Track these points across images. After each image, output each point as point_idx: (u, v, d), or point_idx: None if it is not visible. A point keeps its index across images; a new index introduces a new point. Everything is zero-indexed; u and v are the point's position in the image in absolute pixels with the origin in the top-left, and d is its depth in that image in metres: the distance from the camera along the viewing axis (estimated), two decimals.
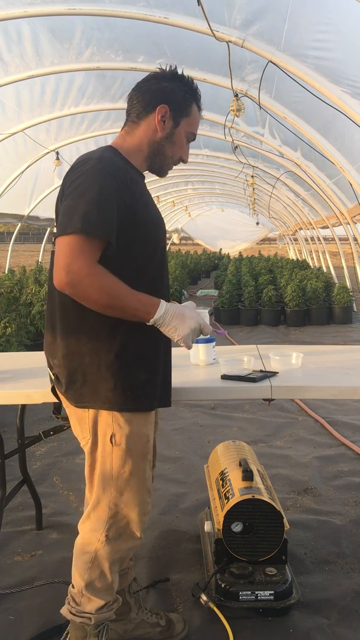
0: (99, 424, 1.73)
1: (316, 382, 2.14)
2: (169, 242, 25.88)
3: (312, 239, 15.59)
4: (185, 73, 1.83)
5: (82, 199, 1.57)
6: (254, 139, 7.53)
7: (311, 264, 16.20)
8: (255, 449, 3.60)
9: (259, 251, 22.68)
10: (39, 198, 10.60)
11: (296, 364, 2.30)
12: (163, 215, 1.98)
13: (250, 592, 2.15)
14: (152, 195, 1.90)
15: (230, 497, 2.26)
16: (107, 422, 1.72)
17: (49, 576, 2.43)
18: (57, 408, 2.33)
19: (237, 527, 2.22)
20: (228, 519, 2.22)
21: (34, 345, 5.69)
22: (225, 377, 2.13)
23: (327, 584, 2.37)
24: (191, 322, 1.69)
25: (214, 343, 2.37)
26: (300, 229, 16.07)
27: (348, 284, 10.82)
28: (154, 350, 1.76)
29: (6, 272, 9.18)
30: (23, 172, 8.77)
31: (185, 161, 1.89)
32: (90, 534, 1.79)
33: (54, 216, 1.71)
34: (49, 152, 8.50)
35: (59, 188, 1.73)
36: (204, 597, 2.17)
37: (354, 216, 8.43)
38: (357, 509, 2.98)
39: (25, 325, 5.75)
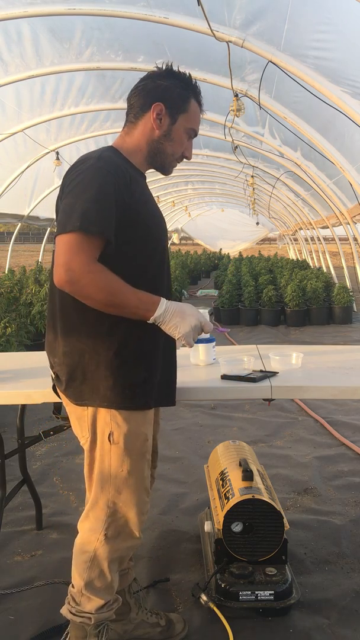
0: (97, 423, 1.73)
1: (316, 382, 2.14)
2: (169, 242, 25.87)
3: (312, 239, 15.59)
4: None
5: (81, 198, 1.57)
6: (254, 139, 7.53)
7: (311, 264, 16.20)
8: (255, 449, 3.60)
9: (259, 251, 22.68)
10: (39, 198, 10.61)
11: (296, 364, 2.30)
12: (163, 215, 1.98)
13: (250, 592, 2.15)
14: (153, 195, 1.90)
15: (230, 497, 2.26)
16: (106, 420, 1.72)
17: (49, 576, 2.43)
18: (57, 408, 2.33)
19: (237, 527, 2.22)
20: (228, 519, 2.22)
21: (34, 345, 5.69)
22: (225, 377, 2.13)
23: (327, 584, 2.37)
24: (192, 319, 1.69)
25: (214, 343, 2.37)
26: (300, 229, 16.07)
27: (348, 284, 10.82)
28: (154, 349, 1.76)
29: (6, 272, 9.18)
30: (23, 172, 8.77)
31: (188, 158, 1.88)
32: (89, 533, 1.79)
33: (54, 216, 1.71)
34: (49, 152, 8.51)
35: (59, 187, 1.73)
36: (204, 597, 2.17)
37: (354, 216, 8.43)
38: (357, 509, 2.98)
39: (25, 325, 5.75)
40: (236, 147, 7.88)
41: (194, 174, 14.04)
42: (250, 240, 28.86)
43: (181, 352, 2.09)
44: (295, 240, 20.54)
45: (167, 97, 1.75)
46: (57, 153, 8.52)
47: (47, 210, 11.17)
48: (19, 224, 11.43)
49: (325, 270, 13.28)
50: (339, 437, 3.98)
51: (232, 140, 7.34)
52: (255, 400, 4.65)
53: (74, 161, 1.74)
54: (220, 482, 2.44)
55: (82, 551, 1.80)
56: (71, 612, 1.81)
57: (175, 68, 1.79)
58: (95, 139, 8.49)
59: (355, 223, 8.60)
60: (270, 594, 2.15)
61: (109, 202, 1.59)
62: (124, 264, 1.67)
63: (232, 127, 6.80)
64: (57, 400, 1.91)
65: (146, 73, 1.82)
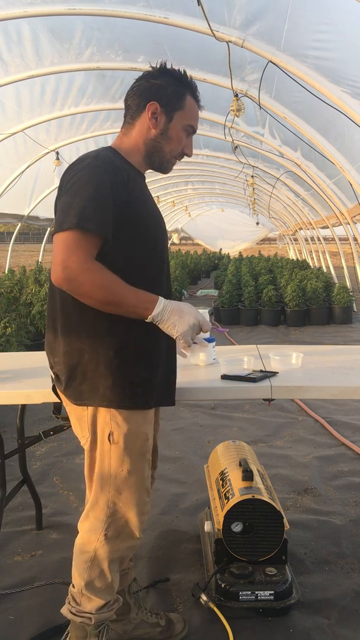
0: (97, 422, 1.73)
1: (316, 382, 2.14)
2: (169, 242, 25.87)
3: (312, 239, 15.59)
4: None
5: (78, 196, 1.58)
6: (254, 139, 7.53)
7: (311, 264, 16.20)
8: (255, 449, 3.60)
9: (259, 251, 22.67)
10: (39, 198, 10.61)
11: (296, 364, 2.30)
12: (163, 215, 1.98)
13: (250, 592, 2.15)
14: (152, 195, 1.90)
15: (230, 497, 2.26)
16: (106, 420, 1.72)
17: (49, 576, 2.43)
18: (57, 408, 2.33)
19: (237, 527, 2.22)
20: (228, 519, 2.22)
21: (34, 345, 5.69)
22: (225, 377, 2.13)
23: (327, 584, 2.37)
24: (190, 318, 1.69)
25: (214, 343, 2.37)
26: (300, 229, 16.07)
27: (348, 284, 10.82)
28: (154, 349, 1.76)
29: (6, 272, 9.18)
30: (23, 172, 8.77)
31: (189, 155, 1.87)
32: (89, 533, 1.79)
33: (53, 216, 1.72)
34: (49, 152, 8.51)
35: (57, 187, 1.74)
36: (204, 597, 2.17)
37: (354, 216, 8.43)
38: (357, 509, 2.98)
39: (25, 325, 5.75)
40: (236, 147, 7.88)
41: (194, 174, 14.04)
42: (250, 240, 28.85)
43: None
44: (295, 240, 20.54)
45: (161, 96, 1.75)
46: (57, 153, 8.52)
47: (47, 210, 11.17)
48: (19, 224, 11.43)
49: (325, 270, 13.28)
50: (339, 437, 3.98)
51: (232, 140, 7.34)
52: (255, 400, 4.65)
53: (74, 160, 1.74)
54: (220, 482, 2.44)
55: (82, 551, 1.80)
56: (71, 612, 1.80)
57: (169, 66, 1.78)
58: (95, 139, 8.49)
59: (355, 223, 8.60)
60: (270, 594, 2.15)
61: (106, 200, 1.59)
62: (123, 263, 1.67)
63: (232, 127, 6.80)
64: (57, 400, 1.91)
65: (141, 74, 1.82)
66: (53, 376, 1.82)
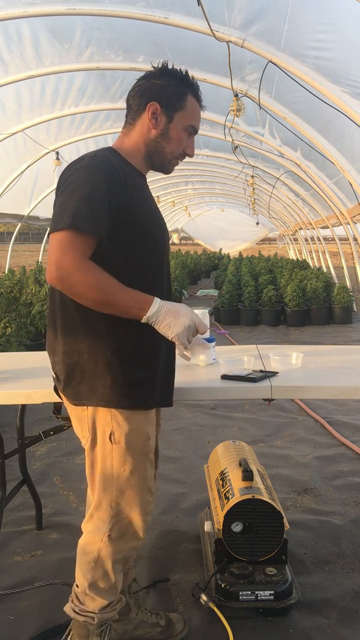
0: (98, 422, 1.73)
1: (316, 382, 2.14)
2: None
3: (312, 239, 15.59)
4: None
5: (73, 196, 1.58)
6: (254, 139, 7.53)
7: (311, 264, 16.20)
8: (255, 449, 3.60)
9: (259, 251, 22.68)
10: (39, 198, 10.61)
11: (296, 364, 2.30)
12: (163, 215, 1.97)
13: (250, 592, 2.15)
14: (152, 196, 1.90)
15: (230, 497, 2.26)
16: (106, 420, 1.72)
17: (49, 576, 2.43)
18: (57, 408, 2.33)
19: (237, 527, 2.22)
20: (228, 519, 2.22)
21: (34, 345, 5.69)
22: (225, 377, 2.13)
23: (327, 584, 2.37)
24: (185, 319, 1.68)
25: (214, 343, 2.37)
26: (300, 229, 16.07)
27: (348, 284, 10.82)
28: (153, 349, 1.76)
29: (6, 272, 9.18)
30: (23, 172, 8.77)
31: (190, 155, 1.87)
32: (92, 534, 1.79)
33: None
34: (49, 152, 8.51)
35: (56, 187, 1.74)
36: (204, 597, 2.17)
37: (354, 216, 8.43)
38: (357, 509, 2.98)
39: (25, 325, 5.75)
40: (236, 147, 7.88)
41: (194, 174, 14.04)
42: (250, 240, 28.86)
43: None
44: (295, 240, 20.54)
45: (162, 96, 1.74)
46: (57, 153, 8.52)
47: (47, 210, 11.17)
48: (19, 224, 11.44)
49: (325, 270, 13.28)
50: (339, 437, 3.98)
51: (232, 140, 7.34)
52: (255, 400, 4.65)
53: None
54: (220, 482, 2.44)
55: (86, 552, 1.80)
56: (74, 611, 1.81)
57: (170, 66, 1.78)
58: (95, 139, 8.49)
59: (355, 223, 8.60)
60: (270, 594, 2.15)
61: (101, 201, 1.59)
62: (122, 263, 1.67)
63: (232, 127, 6.80)
64: (57, 400, 1.91)
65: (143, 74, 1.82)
66: (54, 376, 1.83)
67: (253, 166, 9.64)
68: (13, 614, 2.22)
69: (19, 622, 2.17)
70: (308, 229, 14.80)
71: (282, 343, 7.56)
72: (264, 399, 2.06)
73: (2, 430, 3.85)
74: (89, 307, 1.62)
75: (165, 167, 1.86)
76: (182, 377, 1.99)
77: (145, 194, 1.79)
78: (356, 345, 3.56)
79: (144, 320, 1.64)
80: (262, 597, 2.15)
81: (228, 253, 24.36)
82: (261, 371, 2.19)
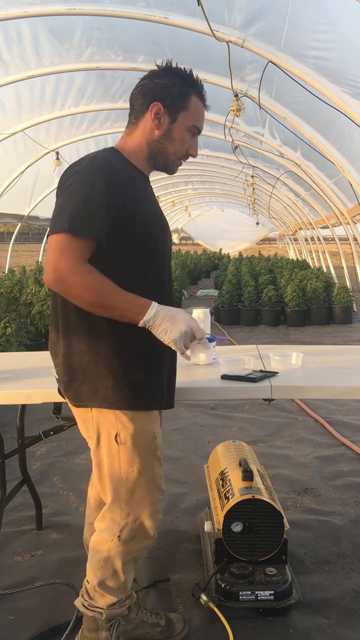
0: (102, 424, 1.73)
1: (316, 382, 2.14)
2: None
3: (312, 239, 15.59)
4: None
5: (72, 198, 1.58)
6: (254, 139, 7.53)
7: (311, 264, 16.20)
8: (255, 449, 3.60)
9: (259, 251, 22.67)
10: (39, 198, 10.61)
11: (296, 364, 2.30)
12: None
13: (250, 592, 2.15)
14: (155, 196, 1.89)
15: (230, 497, 2.26)
16: (111, 421, 1.72)
17: (49, 576, 2.43)
18: (57, 408, 2.33)
19: (237, 527, 2.22)
20: (228, 519, 2.22)
21: (34, 345, 5.69)
22: (225, 377, 2.13)
23: (327, 584, 2.37)
24: (182, 325, 1.67)
25: (214, 343, 2.37)
26: (300, 229, 16.07)
27: (348, 284, 10.82)
28: (154, 350, 1.75)
29: (6, 272, 9.18)
30: (23, 172, 8.77)
31: (194, 155, 1.85)
32: (104, 533, 1.80)
33: None
34: (49, 152, 8.51)
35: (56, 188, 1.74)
36: (204, 597, 2.17)
37: (354, 216, 8.43)
38: (357, 509, 2.98)
39: (25, 325, 5.75)
40: (236, 147, 7.88)
41: (194, 174, 14.04)
42: (250, 240, 28.86)
43: None
44: (295, 240, 20.54)
45: (165, 96, 1.72)
46: (57, 153, 8.52)
47: (47, 210, 11.17)
48: (19, 224, 11.44)
49: (325, 270, 13.28)
50: (339, 437, 3.98)
51: (232, 140, 7.34)
52: (255, 400, 4.65)
53: (73, 161, 1.74)
54: (220, 482, 2.44)
55: (97, 550, 1.81)
56: (84, 605, 1.84)
57: (174, 65, 1.76)
58: (95, 139, 8.49)
59: (355, 223, 8.60)
60: (270, 594, 2.15)
61: (100, 203, 1.58)
62: (122, 264, 1.67)
63: (232, 127, 6.80)
64: (57, 400, 1.91)
65: (146, 73, 1.81)
66: (56, 377, 1.82)
67: (253, 166, 9.64)
68: (13, 614, 2.22)
69: (19, 622, 2.17)
70: (308, 229, 14.80)
71: (282, 343, 7.56)
72: (264, 399, 2.06)
73: (2, 430, 3.85)
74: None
75: (169, 168, 1.85)
76: (182, 376, 1.99)
77: (147, 195, 1.79)
78: (356, 345, 3.56)
79: (140, 324, 1.64)
80: (262, 597, 2.15)
81: (228, 253, 24.35)
82: (261, 371, 2.19)
